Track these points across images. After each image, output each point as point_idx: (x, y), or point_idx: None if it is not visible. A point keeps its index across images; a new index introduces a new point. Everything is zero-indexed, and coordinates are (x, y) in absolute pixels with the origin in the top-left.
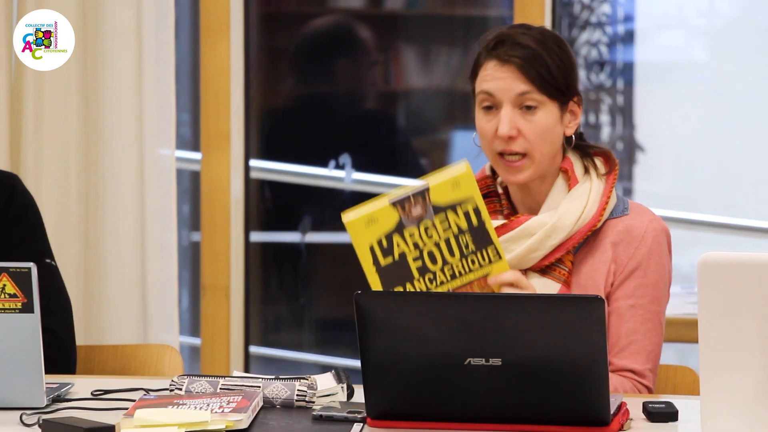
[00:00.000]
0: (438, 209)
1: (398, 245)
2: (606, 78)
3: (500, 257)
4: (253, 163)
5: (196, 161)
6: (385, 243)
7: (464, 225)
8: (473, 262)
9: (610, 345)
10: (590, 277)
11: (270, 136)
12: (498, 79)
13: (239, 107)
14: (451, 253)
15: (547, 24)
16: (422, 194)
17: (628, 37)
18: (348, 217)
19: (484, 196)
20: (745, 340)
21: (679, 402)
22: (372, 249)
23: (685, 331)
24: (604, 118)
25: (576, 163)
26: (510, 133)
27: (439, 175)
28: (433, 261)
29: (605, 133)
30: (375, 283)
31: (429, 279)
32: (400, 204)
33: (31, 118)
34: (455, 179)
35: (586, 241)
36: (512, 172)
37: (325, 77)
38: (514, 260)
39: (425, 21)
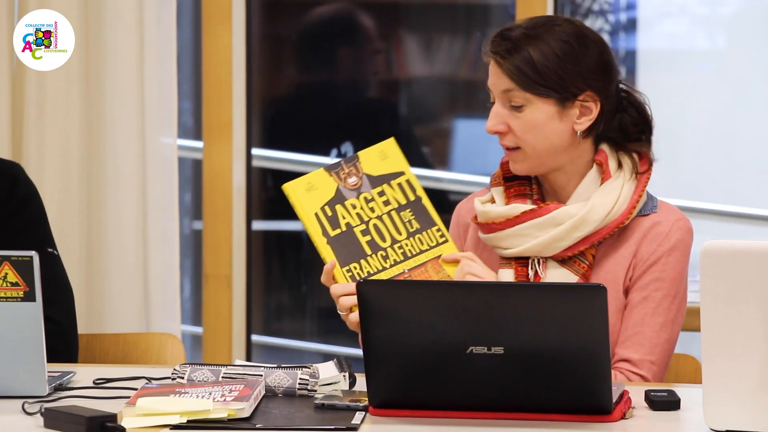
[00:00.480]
0: (374, 181)
1: (343, 216)
2: None
3: (446, 239)
4: (255, 151)
5: (198, 150)
6: (329, 212)
7: (402, 199)
8: (421, 242)
9: (617, 336)
10: (610, 272)
11: (272, 124)
12: (491, 74)
13: (241, 95)
14: (398, 231)
15: (549, 11)
16: (353, 162)
17: (631, 25)
18: (287, 183)
19: (513, 178)
20: (747, 328)
21: (681, 390)
22: (317, 217)
23: (688, 319)
24: None
25: (611, 157)
26: (495, 128)
27: (369, 147)
28: (382, 237)
29: None
30: (328, 254)
31: (382, 256)
32: (335, 171)
33: (33, 107)
34: (381, 149)
35: (611, 236)
36: (513, 166)
37: (327, 65)
38: (537, 247)
39: (427, 9)
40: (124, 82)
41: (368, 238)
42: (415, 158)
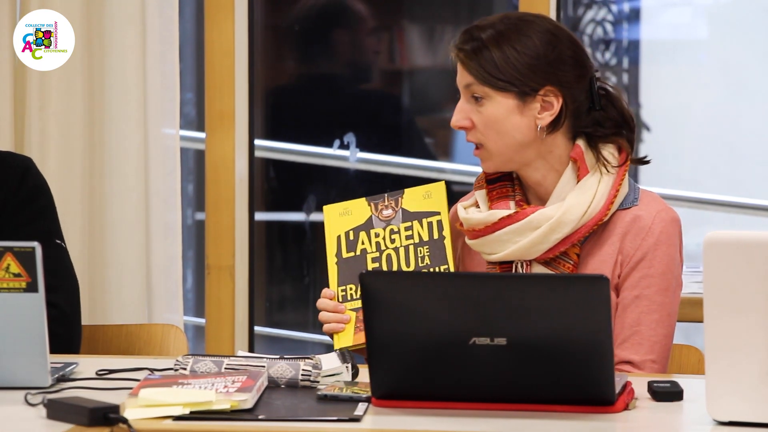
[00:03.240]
0: (407, 216)
1: (362, 242)
2: (611, 56)
3: None
4: (258, 142)
5: (200, 140)
6: (351, 236)
7: (426, 236)
8: None
9: (614, 337)
10: (596, 269)
11: (274, 115)
12: (457, 71)
13: (243, 86)
14: (407, 263)
15: (551, 2)
16: (396, 197)
17: (634, 16)
18: (329, 205)
19: (496, 181)
20: (750, 319)
21: (684, 381)
22: (339, 239)
23: (691, 310)
24: None
25: (587, 153)
26: (459, 123)
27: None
28: (389, 266)
29: None
30: (332, 275)
31: (398, 270)
32: (374, 201)
33: (36, 99)
34: (428, 190)
35: (593, 233)
36: (481, 162)
37: (329, 56)
38: (518, 251)
39: None
40: (126, 73)
41: (375, 265)
42: (417, 149)
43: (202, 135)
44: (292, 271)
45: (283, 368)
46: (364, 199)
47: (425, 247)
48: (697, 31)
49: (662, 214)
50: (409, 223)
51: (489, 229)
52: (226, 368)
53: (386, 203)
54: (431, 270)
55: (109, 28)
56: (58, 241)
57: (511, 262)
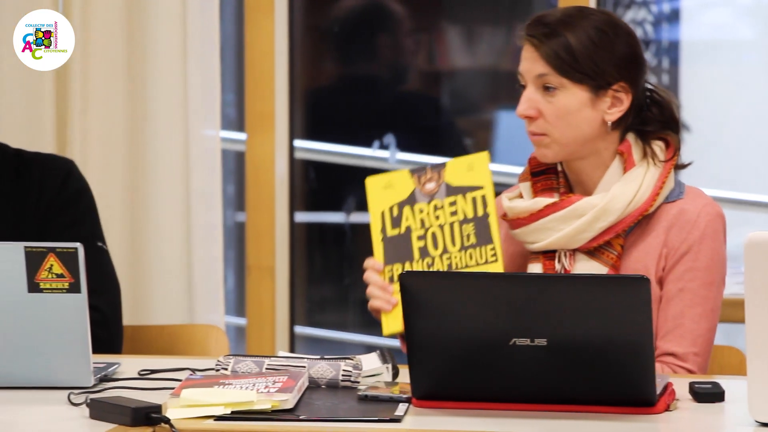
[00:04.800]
0: (450, 190)
1: (407, 218)
2: (651, 57)
3: (497, 259)
4: (298, 143)
5: (240, 141)
6: (395, 211)
7: (470, 213)
8: (471, 257)
9: (657, 329)
10: (640, 261)
11: (314, 116)
12: (524, 59)
13: (283, 87)
14: (453, 242)
15: (592, 3)
16: (439, 169)
17: (674, 16)
18: (371, 177)
19: (542, 173)
20: None
21: (725, 382)
22: (383, 215)
23: (732, 311)
24: None
25: (635, 147)
26: (526, 113)
27: (459, 157)
28: (435, 245)
29: None
30: (378, 252)
31: (427, 264)
32: (417, 174)
33: (78, 100)
34: (470, 162)
35: (638, 224)
36: (539, 151)
37: (368, 57)
38: (562, 239)
39: (468, 1)
40: (168, 75)
41: (421, 243)
42: (457, 150)
43: (242, 136)
44: (332, 271)
45: (324, 368)
46: (407, 171)
47: (470, 225)
48: (738, 32)
49: (708, 208)
50: (452, 198)
51: (533, 216)
52: (267, 368)
53: (429, 176)
54: (477, 249)
55: (150, 31)
56: (100, 244)
57: (554, 252)
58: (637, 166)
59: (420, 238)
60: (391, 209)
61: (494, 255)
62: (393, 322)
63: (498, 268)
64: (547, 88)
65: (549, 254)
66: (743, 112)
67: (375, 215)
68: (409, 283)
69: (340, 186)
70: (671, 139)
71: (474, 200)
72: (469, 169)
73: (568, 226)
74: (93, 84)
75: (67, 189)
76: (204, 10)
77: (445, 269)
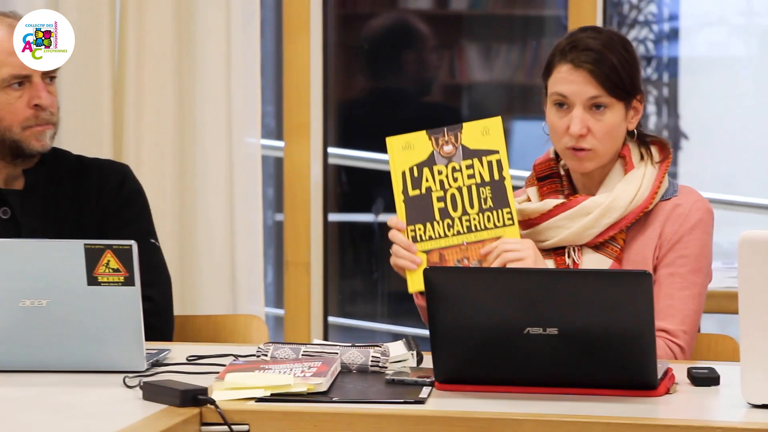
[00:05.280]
0: (468, 153)
1: (426, 179)
2: (652, 72)
3: (513, 222)
4: (331, 150)
5: (279, 149)
6: (416, 172)
7: (486, 176)
8: (489, 219)
9: None
10: (640, 253)
11: (346, 125)
12: (571, 82)
13: (318, 99)
14: (471, 204)
15: (598, 22)
16: (455, 132)
17: (673, 34)
18: (391, 137)
19: (546, 177)
20: None
21: (720, 368)
22: (404, 175)
23: (726, 302)
24: (651, 108)
25: (633, 151)
26: (581, 132)
27: (474, 121)
28: (454, 207)
29: (652, 122)
30: (400, 211)
31: (447, 224)
32: (435, 136)
33: (132, 112)
34: (486, 126)
35: (638, 221)
36: (579, 163)
37: (395, 72)
38: (571, 236)
39: (487, 20)
40: (213, 88)
41: (441, 205)
42: None
43: (281, 144)
44: (362, 267)
45: (355, 355)
46: (424, 132)
47: (487, 188)
48: (732, 49)
49: (699, 203)
50: (469, 161)
51: (544, 217)
52: (303, 354)
53: (446, 138)
54: (494, 212)
55: (197, 47)
56: (153, 241)
57: (563, 248)
58: (636, 167)
59: (440, 199)
60: (411, 170)
61: (510, 218)
62: (418, 280)
63: (514, 231)
64: (596, 107)
65: (559, 251)
66: (736, 122)
67: (396, 175)
68: (432, 278)
69: (369, 189)
70: (664, 143)
71: (490, 164)
72: (484, 133)
73: (577, 223)
74: (146, 97)
75: (124, 191)
76: (246, 30)
77: (464, 230)
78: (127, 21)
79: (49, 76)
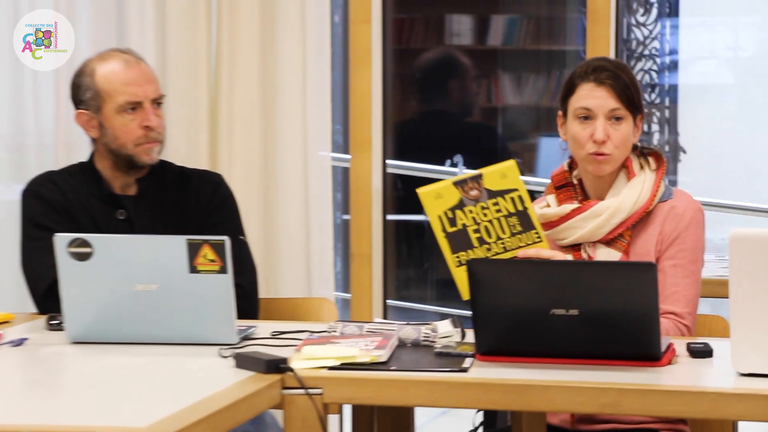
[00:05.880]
0: (491, 194)
1: (461, 219)
2: (656, 97)
3: (541, 239)
4: (389, 161)
5: (346, 160)
6: (450, 214)
7: (512, 208)
8: (520, 240)
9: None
10: (643, 247)
11: (401, 141)
12: (595, 97)
13: (378, 119)
14: (503, 231)
15: (611, 55)
16: (477, 179)
17: (673, 66)
18: (421, 189)
19: (562, 186)
20: (766, 294)
21: (714, 343)
22: (440, 218)
23: (718, 288)
24: (655, 127)
25: (634, 161)
26: (603, 137)
27: (492, 167)
28: (489, 235)
29: (655, 138)
30: (444, 247)
31: (486, 249)
32: (461, 185)
33: (225, 129)
34: (503, 171)
35: (640, 220)
36: (599, 167)
37: (442, 97)
38: (586, 235)
39: (518, 54)
40: (292, 110)
41: (478, 235)
42: None
43: (347, 156)
44: (415, 258)
45: (409, 331)
46: (450, 183)
47: (514, 218)
48: (721, 78)
49: (691, 204)
50: (495, 200)
51: (562, 219)
52: (366, 331)
53: (470, 185)
54: (524, 234)
55: (278, 76)
56: (242, 237)
57: (579, 245)
58: (637, 175)
59: (475, 231)
60: (445, 213)
61: (538, 237)
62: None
63: (544, 245)
64: (615, 119)
65: (576, 247)
66: (725, 138)
67: (434, 218)
68: (474, 268)
69: None
70: (659, 153)
71: (513, 199)
72: (502, 177)
73: (590, 223)
74: (236, 116)
75: (218, 196)
76: (318, 62)
77: (501, 251)
78: (222, 55)
79: (157, 102)
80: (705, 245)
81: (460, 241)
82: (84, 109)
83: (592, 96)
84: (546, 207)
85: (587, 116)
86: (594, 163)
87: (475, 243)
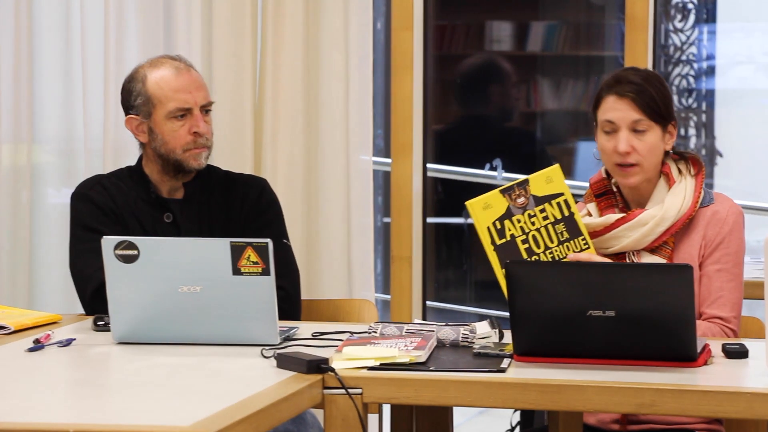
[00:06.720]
0: (538, 200)
1: (509, 229)
2: (693, 101)
3: (589, 246)
4: (429, 165)
5: (387, 164)
6: (498, 225)
7: (558, 215)
8: (568, 248)
9: (703, 299)
10: (687, 252)
11: (442, 145)
12: (617, 110)
13: (419, 124)
14: (551, 240)
15: (649, 61)
16: (523, 186)
17: (710, 71)
18: (469, 201)
19: (602, 194)
20: None
21: (749, 344)
22: (489, 230)
23: (754, 290)
24: (692, 131)
25: (672, 167)
26: (627, 149)
27: (537, 172)
28: (537, 245)
29: (692, 142)
30: (494, 260)
31: (535, 260)
32: (507, 192)
33: (269, 136)
34: (548, 175)
35: (684, 226)
36: (627, 177)
37: (483, 102)
38: (632, 243)
39: (557, 60)
40: (334, 115)
41: (526, 246)
42: None
43: (388, 160)
44: (454, 260)
45: (448, 332)
46: (497, 192)
47: (561, 224)
48: (758, 82)
49: (733, 208)
50: (541, 206)
51: (607, 229)
52: (406, 332)
53: (517, 193)
54: (571, 242)
55: (322, 83)
56: (285, 241)
57: (623, 254)
58: (678, 181)
59: (524, 242)
60: (494, 224)
61: (586, 243)
62: None
63: (591, 251)
64: (638, 131)
65: (620, 255)
66: (762, 142)
67: (483, 231)
68: (512, 270)
69: (460, 197)
70: (697, 157)
71: (559, 204)
72: (548, 181)
73: (636, 233)
74: (280, 123)
75: (262, 200)
76: (361, 68)
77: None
78: (266, 61)
79: (206, 109)
80: (745, 247)
81: (508, 253)
82: (134, 115)
83: (614, 108)
84: (587, 215)
85: (612, 129)
86: (621, 174)
87: (524, 255)
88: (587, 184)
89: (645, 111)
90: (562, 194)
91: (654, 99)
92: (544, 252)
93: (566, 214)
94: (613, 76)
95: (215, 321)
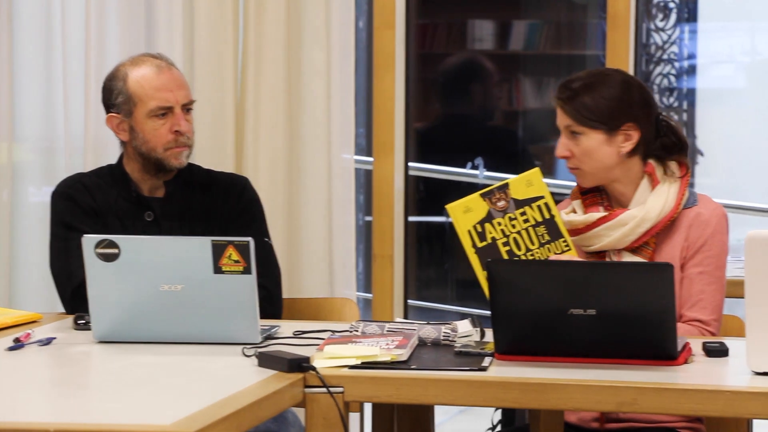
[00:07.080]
0: (518, 203)
1: (490, 232)
2: (674, 100)
3: (570, 248)
4: (411, 164)
5: (368, 163)
6: (479, 228)
7: (539, 217)
8: (549, 250)
9: (683, 302)
10: (668, 253)
11: (423, 144)
12: (558, 114)
13: (401, 123)
14: (532, 243)
15: (630, 60)
16: (503, 189)
17: (691, 70)
18: (449, 204)
19: (588, 192)
20: None
21: (729, 342)
22: (470, 233)
23: (734, 288)
24: None
25: (657, 168)
26: (561, 154)
27: (517, 176)
28: (518, 248)
29: None
30: (475, 262)
31: (516, 259)
32: (488, 196)
33: (251, 134)
34: (528, 178)
35: (666, 227)
36: (577, 180)
37: (464, 101)
38: (612, 243)
39: (539, 59)
40: (316, 114)
41: (507, 248)
42: (529, 169)
43: (370, 159)
44: (436, 259)
45: (429, 331)
46: (478, 195)
47: (542, 227)
48: (737, 82)
49: (717, 210)
50: (522, 209)
51: (589, 227)
52: (387, 330)
53: (498, 196)
54: (552, 244)
55: (303, 81)
56: (267, 239)
57: (604, 252)
58: (661, 183)
59: (505, 244)
60: (474, 227)
61: (567, 245)
62: None
63: (573, 253)
64: (573, 135)
65: (601, 254)
66: (742, 141)
67: (463, 234)
68: (494, 269)
69: (441, 196)
70: (683, 161)
71: (539, 207)
72: (528, 185)
73: (616, 232)
74: (262, 121)
75: (244, 199)
76: (343, 66)
77: None
78: (248, 60)
79: (187, 108)
80: (728, 250)
81: (490, 256)
82: (115, 113)
83: (557, 113)
84: (572, 213)
85: (561, 133)
86: (575, 176)
87: (506, 257)
88: (569, 184)
89: (574, 117)
90: (542, 197)
91: (586, 106)
92: (525, 254)
93: (547, 216)
94: (562, 80)
95: (196, 320)
